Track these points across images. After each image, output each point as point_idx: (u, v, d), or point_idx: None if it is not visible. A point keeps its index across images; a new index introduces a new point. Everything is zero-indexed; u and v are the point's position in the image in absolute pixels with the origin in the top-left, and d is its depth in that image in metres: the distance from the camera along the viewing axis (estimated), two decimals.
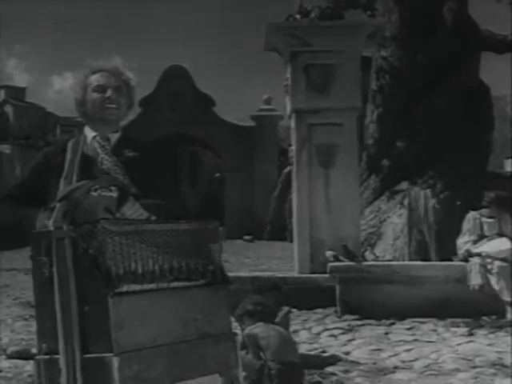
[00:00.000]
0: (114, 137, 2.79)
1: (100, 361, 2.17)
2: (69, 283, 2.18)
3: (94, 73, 2.82)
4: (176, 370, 2.31)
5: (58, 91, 70.01)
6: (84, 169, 2.65)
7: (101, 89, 2.77)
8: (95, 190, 2.35)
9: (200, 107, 20.78)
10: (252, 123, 21.59)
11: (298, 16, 12.76)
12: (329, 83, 7.60)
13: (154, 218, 2.50)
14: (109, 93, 2.77)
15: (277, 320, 4.65)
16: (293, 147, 7.84)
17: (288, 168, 8.21)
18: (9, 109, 24.54)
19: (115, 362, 2.14)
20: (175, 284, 2.34)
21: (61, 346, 2.21)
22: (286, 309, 5.05)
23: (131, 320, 2.20)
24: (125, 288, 2.20)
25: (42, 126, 23.88)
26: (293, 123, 7.87)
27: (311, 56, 7.62)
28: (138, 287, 2.23)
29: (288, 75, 7.82)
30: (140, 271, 2.25)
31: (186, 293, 2.38)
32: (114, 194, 2.41)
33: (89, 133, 2.79)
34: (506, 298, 6.58)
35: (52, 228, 2.27)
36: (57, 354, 2.22)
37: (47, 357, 2.26)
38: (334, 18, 12.31)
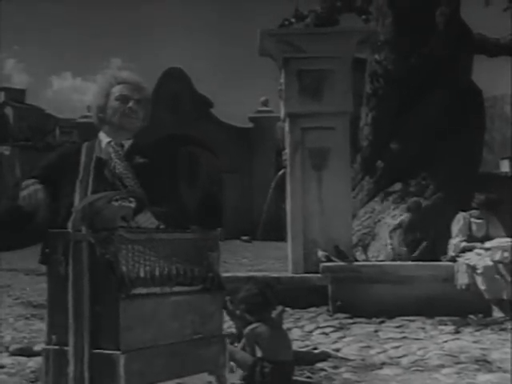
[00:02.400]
0: (127, 143, 2.98)
1: (107, 357, 2.39)
2: (83, 283, 2.40)
3: (118, 83, 3.01)
4: (173, 367, 2.56)
5: (57, 91, 70.18)
6: (98, 172, 2.83)
7: (123, 99, 2.98)
8: (116, 200, 2.56)
9: (198, 109, 20.96)
10: (250, 124, 21.78)
11: (293, 20, 12.97)
12: (321, 88, 7.81)
13: (162, 226, 2.70)
14: (130, 104, 2.97)
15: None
16: (286, 150, 8.06)
17: (282, 171, 8.41)
18: (9, 111, 24.69)
19: (121, 360, 2.37)
20: (177, 288, 2.57)
21: (71, 340, 2.44)
22: (280, 308, 5.24)
23: (137, 321, 2.43)
24: (133, 291, 2.43)
25: (42, 128, 24.05)
26: (287, 127, 8.09)
27: (304, 62, 7.83)
28: (144, 290, 2.46)
29: (282, 80, 8.05)
30: (148, 276, 2.49)
31: (186, 297, 2.61)
32: (132, 205, 2.61)
33: (103, 138, 2.98)
34: (492, 297, 6.81)
35: (71, 230, 2.46)
36: (66, 345, 2.43)
37: (56, 347, 2.48)
38: (330, 22, 12.53)
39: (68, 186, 2.82)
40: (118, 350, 2.38)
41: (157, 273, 2.51)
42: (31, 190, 2.72)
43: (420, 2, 11.27)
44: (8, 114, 24.81)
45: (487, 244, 7.03)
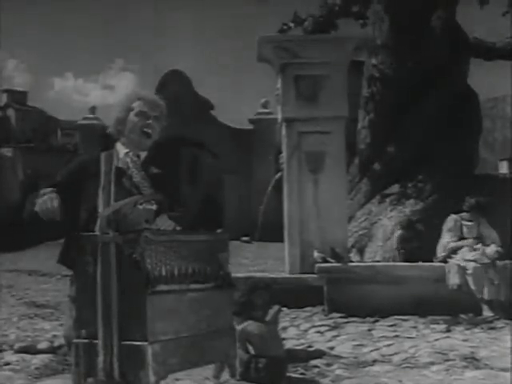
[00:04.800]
0: (143, 154, 3.20)
1: (136, 348, 2.61)
2: (111, 280, 2.64)
3: (138, 99, 3.24)
4: (192, 358, 2.79)
5: (59, 92, 70.29)
6: (117, 180, 3.05)
7: (143, 115, 3.20)
8: (141, 204, 2.80)
9: (199, 111, 21.10)
10: (250, 126, 21.94)
11: (292, 24, 13.12)
12: (317, 93, 8.02)
13: (177, 228, 2.93)
14: (149, 121, 3.20)
15: (268, 317, 5.03)
16: (283, 154, 8.25)
17: (279, 174, 8.60)
18: (11, 112, 24.87)
19: (150, 350, 2.59)
20: (193, 286, 2.81)
21: (100, 333, 2.66)
22: (276, 308, 5.42)
23: (161, 315, 2.65)
24: (157, 288, 2.65)
25: (44, 130, 24.22)
26: (283, 131, 8.29)
27: (300, 67, 8.05)
28: (165, 287, 2.68)
29: (279, 85, 8.24)
30: (169, 274, 2.72)
31: (201, 293, 2.85)
32: (154, 207, 2.85)
33: (121, 149, 3.19)
34: (482, 297, 7.01)
35: (98, 233, 2.70)
36: (95, 339, 2.65)
37: (86, 341, 2.69)
38: (328, 26, 12.67)
39: (89, 192, 3.03)
40: (146, 341, 2.60)
41: (176, 271, 2.74)
42: (46, 199, 2.95)
43: (416, 7, 11.41)
44: (10, 115, 24.97)
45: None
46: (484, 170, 16.57)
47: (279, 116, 8.43)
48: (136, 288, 2.62)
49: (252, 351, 4.66)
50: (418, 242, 8.16)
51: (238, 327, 4.67)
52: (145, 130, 3.19)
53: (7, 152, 21.68)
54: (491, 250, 7.11)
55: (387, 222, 10.61)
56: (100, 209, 2.90)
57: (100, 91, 74.62)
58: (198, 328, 2.80)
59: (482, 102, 12.85)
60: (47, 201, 2.93)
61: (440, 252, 7.41)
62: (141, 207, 2.80)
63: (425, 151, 11.00)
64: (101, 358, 2.65)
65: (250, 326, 4.70)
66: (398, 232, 8.40)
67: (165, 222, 2.89)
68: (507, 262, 7.24)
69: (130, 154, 3.16)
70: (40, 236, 15.48)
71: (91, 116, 21.97)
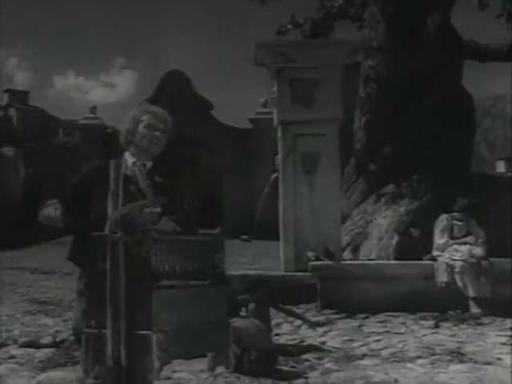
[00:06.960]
0: (148, 164, 3.47)
1: (142, 336, 2.89)
2: (119, 276, 2.92)
3: (147, 112, 3.51)
4: (191, 347, 3.06)
5: (60, 90, 70.40)
6: (125, 186, 3.32)
7: (151, 127, 3.47)
8: (147, 207, 3.09)
9: (199, 110, 21.29)
10: (249, 126, 22.14)
11: (290, 27, 13.30)
12: (312, 96, 8.23)
13: (178, 229, 3.20)
14: (157, 133, 3.47)
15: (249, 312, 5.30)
16: (279, 155, 8.48)
17: (275, 174, 8.83)
18: (12, 112, 24.99)
19: (154, 338, 2.87)
20: (193, 282, 3.08)
21: (109, 323, 2.94)
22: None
23: (164, 307, 2.93)
24: (161, 283, 2.93)
25: (45, 129, 24.38)
26: (279, 133, 8.51)
27: (296, 71, 8.26)
28: (167, 283, 2.96)
29: (274, 89, 8.46)
30: (171, 271, 2.99)
31: (199, 289, 3.12)
32: (158, 210, 3.13)
33: (129, 158, 3.47)
34: (469, 294, 7.25)
35: (108, 233, 2.99)
36: (104, 329, 2.94)
37: (95, 331, 2.96)
38: (325, 29, 12.86)
39: (99, 196, 3.30)
40: (151, 330, 2.88)
41: (178, 268, 3.02)
42: (50, 208, 3.29)
43: (412, 10, 11.58)
44: (12, 115, 25.09)
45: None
46: (483, 168, 16.71)
47: (275, 118, 8.64)
48: (142, 283, 2.89)
49: (244, 345, 4.90)
50: (412, 244, 8.40)
51: (233, 323, 4.92)
52: (153, 140, 3.45)
53: (9, 151, 21.83)
54: (479, 249, 7.35)
55: (382, 221, 10.78)
56: (109, 211, 3.17)
57: (101, 89, 74.74)
58: (197, 320, 3.06)
59: (483, 100, 12.93)
60: (51, 210, 3.25)
61: (438, 251, 7.61)
62: (147, 210, 3.07)
63: (420, 151, 11.16)
64: (109, 347, 2.92)
65: (238, 322, 4.97)
66: (395, 238, 8.64)
67: (166, 224, 3.14)
68: (497, 260, 7.46)
69: (138, 163, 3.43)
70: (40, 235, 15.70)
71: (92, 115, 22.16)
